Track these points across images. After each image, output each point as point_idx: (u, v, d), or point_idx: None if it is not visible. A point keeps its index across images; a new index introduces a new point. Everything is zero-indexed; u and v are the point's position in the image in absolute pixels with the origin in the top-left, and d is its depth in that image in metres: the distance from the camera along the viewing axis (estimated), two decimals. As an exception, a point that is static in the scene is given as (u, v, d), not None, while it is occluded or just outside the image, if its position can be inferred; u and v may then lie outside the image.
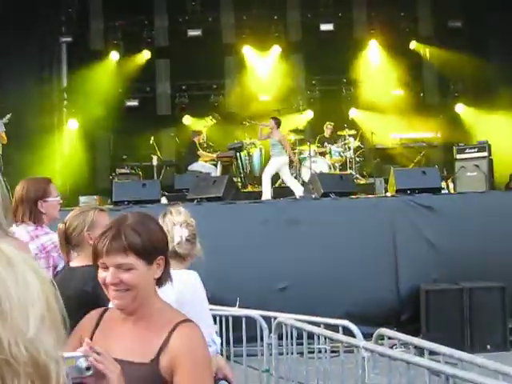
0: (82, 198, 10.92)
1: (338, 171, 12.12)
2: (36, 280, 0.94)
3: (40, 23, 12.79)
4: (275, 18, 15.17)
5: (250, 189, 12.10)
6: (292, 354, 4.82)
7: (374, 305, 7.55)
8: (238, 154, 12.44)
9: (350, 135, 12.79)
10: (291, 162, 11.56)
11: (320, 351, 4.53)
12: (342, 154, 12.57)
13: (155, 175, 12.82)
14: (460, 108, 14.39)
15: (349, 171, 12.15)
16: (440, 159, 13.34)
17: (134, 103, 14.94)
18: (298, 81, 15.22)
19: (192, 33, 14.76)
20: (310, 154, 11.67)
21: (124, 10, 14.29)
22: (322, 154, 12.56)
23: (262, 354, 5.19)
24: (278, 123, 11.25)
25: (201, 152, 12.66)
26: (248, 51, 14.99)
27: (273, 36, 15.13)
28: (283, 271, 7.67)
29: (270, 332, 5.05)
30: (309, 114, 14.84)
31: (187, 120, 14.96)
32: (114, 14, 14.67)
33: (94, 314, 2.15)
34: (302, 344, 4.58)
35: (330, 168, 12.09)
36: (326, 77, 15.17)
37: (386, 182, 10.47)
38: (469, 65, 13.51)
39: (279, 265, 7.67)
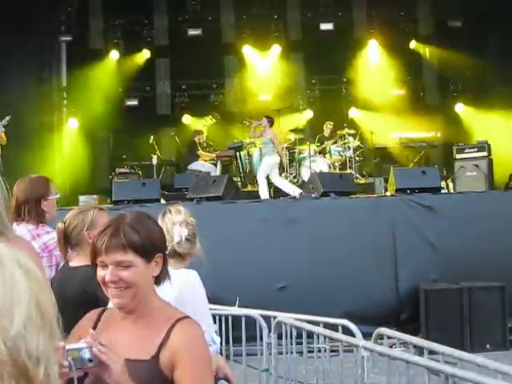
0: (81, 198, 10.92)
1: (337, 171, 12.10)
2: (24, 279, 0.92)
3: (40, 23, 12.78)
4: (275, 17, 15.19)
5: (249, 188, 12.07)
6: (291, 353, 4.82)
7: (374, 304, 7.55)
8: (237, 153, 12.42)
9: (349, 135, 12.77)
10: (281, 162, 11.50)
11: (319, 350, 4.53)
12: (341, 153, 12.55)
13: (155, 174, 12.80)
14: (460, 108, 14.40)
15: (348, 171, 12.13)
16: (440, 159, 13.35)
17: (134, 102, 14.95)
18: (298, 80, 15.22)
19: (192, 32, 14.77)
20: (310, 153, 11.66)
21: (124, 9, 14.30)
22: (322, 153, 12.55)
23: (262, 354, 5.19)
24: (271, 122, 11.21)
25: (200, 151, 12.65)
26: (248, 51, 14.99)
27: (273, 35, 15.14)
28: (283, 270, 7.67)
29: (270, 331, 5.04)
30: (308, 114, 14.82)
31: (187, 119, 14.96)
32: (113, 13, 14.69)
33: (92, 315, 2.15)
34: (301, 343, 4.58)
35: (330, 167, 12.07)
36: (325, 76, 15.17)
37: (386, 181, 10.46)
38: (468, 65, 13.53)
39: (279, 264, 7.68)
